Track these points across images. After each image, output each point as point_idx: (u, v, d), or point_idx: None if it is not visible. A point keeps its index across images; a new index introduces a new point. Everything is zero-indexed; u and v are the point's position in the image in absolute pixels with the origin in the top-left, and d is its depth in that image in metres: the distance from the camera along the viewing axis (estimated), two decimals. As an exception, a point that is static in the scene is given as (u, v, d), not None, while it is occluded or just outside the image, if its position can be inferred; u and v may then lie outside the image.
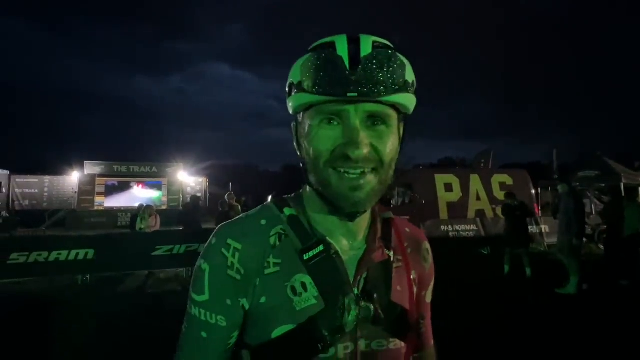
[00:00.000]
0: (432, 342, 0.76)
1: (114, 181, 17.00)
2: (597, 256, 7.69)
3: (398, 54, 0.55)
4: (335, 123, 0.55)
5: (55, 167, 18.60)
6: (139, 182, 17.35)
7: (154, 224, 6.81)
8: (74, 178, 16.81)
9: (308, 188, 0.63)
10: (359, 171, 0.54)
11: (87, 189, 16.41)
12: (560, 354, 3.24)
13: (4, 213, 14.55)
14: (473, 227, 8.88)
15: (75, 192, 16.33)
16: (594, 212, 10.92)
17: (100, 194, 16.64)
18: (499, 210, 9.19)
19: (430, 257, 0.73)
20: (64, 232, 12.05)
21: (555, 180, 8.98)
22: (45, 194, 16.82)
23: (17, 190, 16.40)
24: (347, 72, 0.51)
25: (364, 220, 0.63)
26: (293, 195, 0.67)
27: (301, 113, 0.59)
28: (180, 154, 19.61)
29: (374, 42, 0.54)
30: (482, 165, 11.81)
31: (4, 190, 15.99)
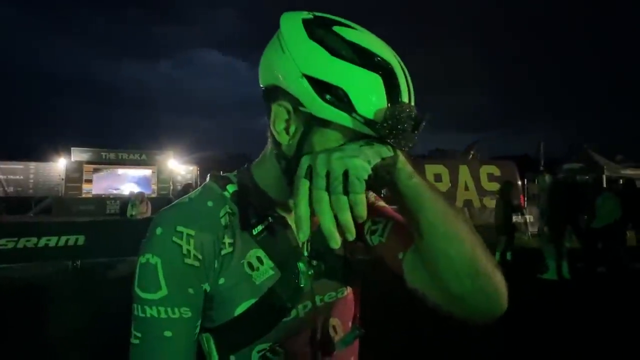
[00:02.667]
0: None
1: (102, 168, 16.75)
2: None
3: None
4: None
5: (41, 153, 18.14)
6: (125, 169, 17.13)
7: (145, 211, 6.79)
8: (60, 165, 16.45)
9: (265, 166, 0.62)
10: None
11: (74, 176, 16.10)
12: (539, 337, 3.41)
13: (-12, 199, 14.25)
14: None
15: (62, 179, 16.03)
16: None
17: (88, 181, 16.37)
18: (486, 201, 9.43)
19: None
20: (51, 220, 11.88)
21: (542, 172, 9.21)
22: (31, 181, 16.46)
23: (1, 176, 16.02)
24: (415, 132, 0.52)
25: None
26: (236, 172, 0.66)
27: (310, 114, 0.53)
28: (170, 142, 19.38)
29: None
30: (471, 156, 12.00)
31: (-13, 176, 15.62)
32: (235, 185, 0.62)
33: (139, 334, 0.52)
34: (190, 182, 16.58)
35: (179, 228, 0.54)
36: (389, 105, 0.51)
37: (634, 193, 6.77)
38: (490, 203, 9.40)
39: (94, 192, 16.24)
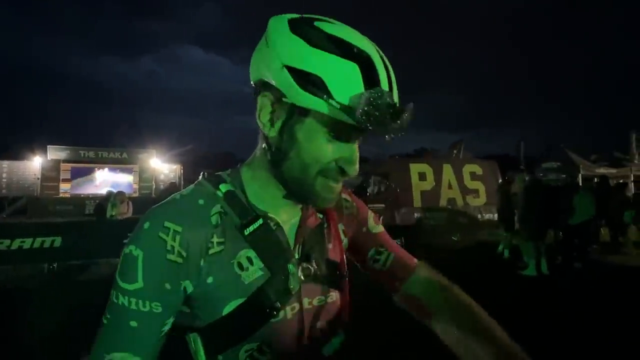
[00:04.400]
0: (415, 260, 0.79)
1: (80, 167, 16.20)
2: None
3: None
4: (342, 140, 0.56)
5: (15, 151, 17.44)
6: (105, 168, 16.62)
7: (125, 211, 6.61)
8: (36, 163, 15.84)
9: (255, 164, 0.63)
10: (342, 181, 0.60)
11: (50, 175, 15.54)
12: (518, 331, 3.51)
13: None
14: (445, 214, 9.24)
15: (38, 178, 15.43)
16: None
17: (65, 180, 15.82)
18: (469, 199, 9.62)
19: (350, 202, 0.78)
20: (26, 220, 11.41)
21: (522, 171, 9.48)
22: (4, 180, 15.76)
23: (-29, 175, 15.30)
24: (394, 120, 0.51)
25: None
26: (229, 171, 0.66)
27: (293, 104, 0.54)
28: (153, 140, 18.97)
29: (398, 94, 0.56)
30: (454, 155, 12.23)
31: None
32: (228, 185, 0.62)
33: (108, 316, 0.54)
34: (173, 181, 16.25)
35: (167, 224, 0.55)
36: (364, 91, 0.51)
37: (608, 191, 7.06)
38: (474, 201, 9.61)
39: (71, 192, 15.73)
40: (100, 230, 5.97)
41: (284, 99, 0.54)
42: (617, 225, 6.97)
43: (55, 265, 5.67)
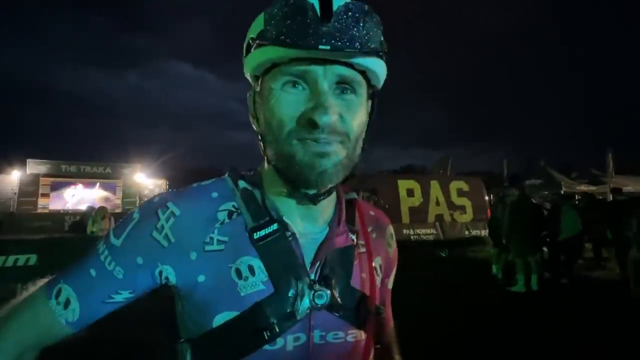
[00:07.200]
0: (391, 325, 0.73)
1: (61, 182, 15.70)
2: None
3: (374, 12, 0.48)
4: (301, 88, 0.49)
5: (-9, 165, 16.80)
6: (87, 184, 16.17)
7: (107, 227, 6.37)
8: (14, 177, 15.27)
9: (266, 165, 0.56)
10: (324, 141, 0.48)
11: (29, 190, 14.97)
12: (507, 346, 3.47)
13: None
14: (432, 230, 9.29)
15: (15, 193, 14.83)
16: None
17: (44, 195, 15.26)
18: (456, 215, 9.72)
19: (394, 242, 0.70)
20: (0, 237, 10.87)
21: (506, 188, 9.69)
22: (-21, 195, 15.12)
23: (-57, 190, 14.60)
24: (320, 23, 0.44)
25: (327, 203, 0.57)
26: (251, 172, 0.60)
27: (260, 78, 0.52)
28: (137, 155, 18.61)
29: None
30: (441, 172, 12.43)
31: None
32: (247, 184, 0.57)
33: (85, 254, 0.55)
34: (158, 196, 15.88)
35: (169, 204, 0.54)
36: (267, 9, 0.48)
37: (592, 207, 7.24)
38: (460, 217, 9.71)
39: (50, 207, 15.15)
40: (79, 247, 5.71)
41: (255, 89, 0.54)
42: (601, 241, 7.11)
43: (29, 285, 5.37)
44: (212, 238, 0.52)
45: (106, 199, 15.66)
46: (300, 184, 0.51)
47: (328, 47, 0.44)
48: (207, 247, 0.52)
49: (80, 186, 16.02)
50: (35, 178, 15.23)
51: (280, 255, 0.52)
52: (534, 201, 6.40)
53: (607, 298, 5.14)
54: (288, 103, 0.48)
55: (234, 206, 0.55)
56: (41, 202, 15.17)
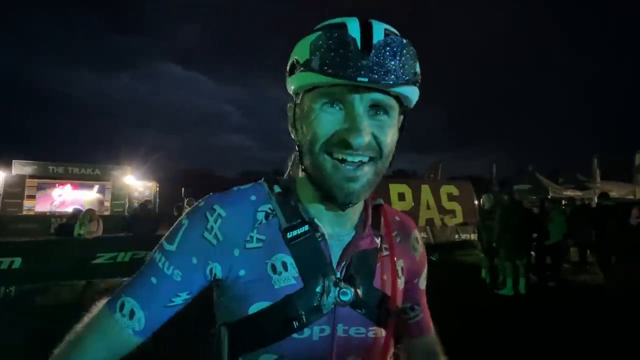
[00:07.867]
0: (431, 327, 0.77)
1: (48, 183, 15.38)
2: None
3: (410, 45, 0.53)
4: (338, 108, 0.54)
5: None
6: (75, 185, 15.86)
7: (95, 230, 6.26)
8: (-2, 178, 14.93)
9: (301, 172, 0.62)
10: (357, 160, 0.54)
11: (14, 192, 14.62)
12: (496, 348, 3.51)
13: None
14: (423, 234, 9.35)
15: (0, 195, 14.48)
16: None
17: (30, 197, 14.93)
18: (446, 219, 9.80)
19: (420, 246, 0.75)
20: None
21: (496, 192, 9.82)
22: (-39, 196, 14.71)
23: None
24: (360, 56, 0.49)
25: (355, 209, 0.63)
26: (286, 177, 0.67)
27: (301, 94, 0.57)
28: (127, 156, 18.34)
29: (385, 29, 0.52)
30: (432, 176, 12.54)
31: None
32: (280, 188, 0.63)
33: (143, 266, 0.59)
34: (149, 198, 15.65)
35: (216, 206, 0.59)
36: (312, 41, 0.52)
37: (578, 212, 7.38)
38: (450, 221, 9.79)
39: (37, 209, 14.82)
40: (65, 250, 5.59)
41: (296, 101, 0.59)
42: (586, 245, 7.25)
43: (12, 288, 5.23)
44: (252, 237, 0.58)
45: (95, 201, 15.38)
46: (330, 200, 0.58)
47: (366, 80, 0.49)
48: (248, 245, 0.58)
49: (68, 187, 15.72)
50: (21, 179, 14.90)
51: (310, 254, 0.58)
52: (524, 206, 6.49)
53: (592, 301, 5.24)
54: (325, 122, 0.54)
55: (270, 208, 0.61)
56: (27, 204, 14.84)
